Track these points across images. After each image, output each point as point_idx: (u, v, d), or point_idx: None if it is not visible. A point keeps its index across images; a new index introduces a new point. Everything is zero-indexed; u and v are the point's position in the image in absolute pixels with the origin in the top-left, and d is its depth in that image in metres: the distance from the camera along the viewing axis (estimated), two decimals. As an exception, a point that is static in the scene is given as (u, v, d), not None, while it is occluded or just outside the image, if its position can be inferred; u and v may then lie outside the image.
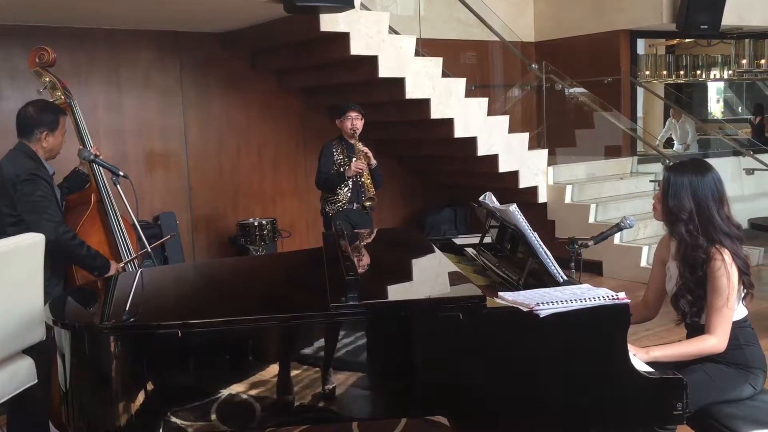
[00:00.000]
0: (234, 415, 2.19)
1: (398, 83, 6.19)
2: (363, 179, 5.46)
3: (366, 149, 5.50)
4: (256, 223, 6.58)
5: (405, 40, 6.18)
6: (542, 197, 7.32)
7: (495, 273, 2.83)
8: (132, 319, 2.38)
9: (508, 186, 7.06)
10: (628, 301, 2.23)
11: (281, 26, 6.08)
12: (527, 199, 7.19)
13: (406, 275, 2.74)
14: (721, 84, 13.28)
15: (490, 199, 2.91)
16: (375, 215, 7.43)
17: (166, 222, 6.66)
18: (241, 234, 6.68)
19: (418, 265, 2.91)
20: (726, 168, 7.86)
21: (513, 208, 2.55)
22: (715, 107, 14.60)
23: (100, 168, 3.69)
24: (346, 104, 5.56)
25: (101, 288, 2.97)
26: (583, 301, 2.20)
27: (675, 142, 10.69)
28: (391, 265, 2.98)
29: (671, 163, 2.83)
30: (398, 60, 6.10)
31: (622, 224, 2.97)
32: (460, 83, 6.55)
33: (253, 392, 2.15)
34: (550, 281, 2.50)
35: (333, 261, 2.55)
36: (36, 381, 2.89)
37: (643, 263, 6.76)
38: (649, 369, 2.38)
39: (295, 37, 6.16)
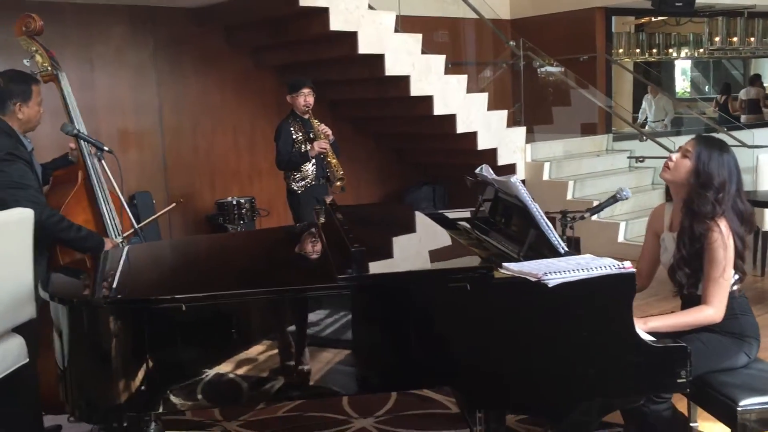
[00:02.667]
0: (240, 389, 2.15)
1: (378, 60, 6.13)
2: (328, 159, 5.39)
3: (326, 129, 5.41)
4: (234, 202, 6.50)
5: (385, 16, 6.12)
6: (520, 174, 7.33)
7: (493, 246, 2.81)
8: (129, 293, 2.32)
9: (486, 163, 7.03)
10: (634, 270, 2.22)
11: (257, 0, 5.97)
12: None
13: (409, 247, 2.71)
14: (688, 63, 13.45)
15: (487, 171, 2.89)
16: (353, 194, 7.41)
17: (142, 201, 6.54)
18: (219, 213, 6.59)
19: (420, 237, 2.88)
20: (698, 145, 7.94)
21: (514, 179, 2.53)
22: (682, 86, 14.80)
23: (87, 144, 3.56)
24: (299, 79, 5.44)
25: (91, 266, 2.90)
26: (590, 270, 2.19)
27: (648, 119, 10.79)
28: (391, 238, 2.94)
29: (702, 135, 2.85)
30: (378, 36, 6.04)
31: (618, 196, 2.97)
32: (440, 60, 6.51)
33: (262, 365, 2.12)
34: (550, 253, 2.49)
35: (332, 234, 2.51)
36: (27, 360, 2.81)
37: (621, 239, 6.83)
38: (652, 338, 2.39)
39: (273, 12, 6.06)
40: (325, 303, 2.14)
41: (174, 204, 4.49)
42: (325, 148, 5.34)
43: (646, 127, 10.44)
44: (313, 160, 5.41)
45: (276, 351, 2.16)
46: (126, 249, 3.15)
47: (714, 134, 8.40)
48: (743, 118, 11.26)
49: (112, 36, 6.39)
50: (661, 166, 7.90)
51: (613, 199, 2.99)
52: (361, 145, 7.77)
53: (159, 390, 2.14)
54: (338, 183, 5.44)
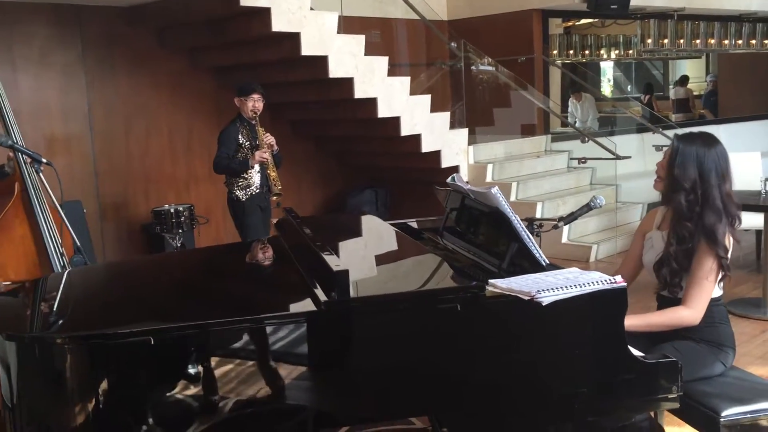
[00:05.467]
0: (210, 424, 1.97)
1: (321, 61, 5.97)
2: (268, 171, 5.24)
3: (271, 139, 5.25)
4: (172, 210, 6.20)
5: (327, 17, 5.95)
6: (464, 177, 7.29)
7: (464, 256, 2.70)
8: (84, 326, 2.10)
9: (430, 166, 6.99)
10: (625, 284, 2.15)
11: (195, 0, 5.72)
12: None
13: (388, 264, 2.57)
14: (611, 64, 13.76)
15: (460, 181, 2.78)
16: (294, 198, 7.22)
17: (72, 211, 6.15)
18: (156, 222, 6.28)
19: (398, 253, 2.75)
20: (631, 145, 8.10)
21: (495, 190, 2.43)
22: (606, 87, 15.15)
23: (22, 155, 3.29)
24: (250, 84, 5.29)
25: (28, 292, 2.65)
26: (582, 286, 2.11)
27: (577, 122, 10.95)
28: (366, 254, 2.80)
29: (681, 133, 2.78)
30: (321, 37, 5.88)
31: (592, 204, 2.92)
32: (383, 62, 6.40)
33: (244, 396, 1.94)
34: (531, 266, 2.40)
35: (302, 252, 2.35)
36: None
37: (564, 239, 6.89)
38: (641, 353, 2.33)
39: (211, 12, 5.82)
40: (306, 329, 1.98)
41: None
42: (265, 158, 5.17)
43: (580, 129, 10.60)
44: (257, 167, 5.22)
45: (250, 381, 2.00)
46: (66, 273, 2.91)
47: (644, 134, 8.63)
48: (673, 117, 11.59)
49: (36, 36, 6.02)
50: (597, 167, 8.00)
51: (587, 207, 2.94)
52: (301, 147, 7.58)
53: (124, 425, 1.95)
54: (274, 198, 5.31)
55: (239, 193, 5.29)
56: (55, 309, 2.35)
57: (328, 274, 2.01)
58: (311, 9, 5.86)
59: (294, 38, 5.75)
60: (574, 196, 7.42)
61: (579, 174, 7.95)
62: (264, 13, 5.54)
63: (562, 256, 6.71)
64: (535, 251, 2.41)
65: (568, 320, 2.11)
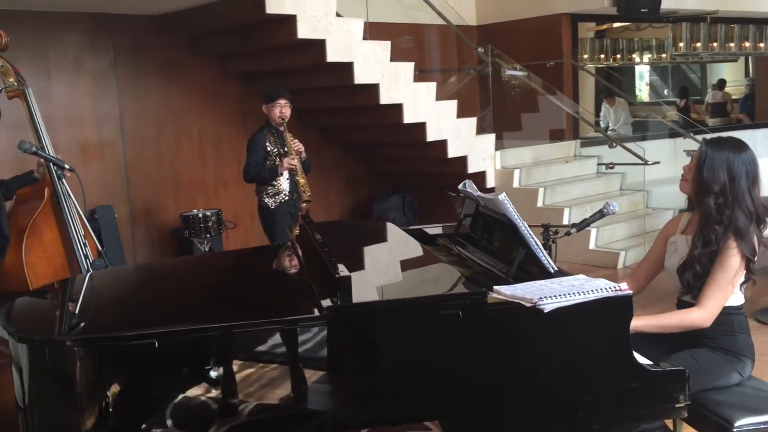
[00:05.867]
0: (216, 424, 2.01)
1: (346, 68, 6.01)
2: (297, 177, 5.22)
3: (299, 145, 5.24)
4: (200, 215, 6.29)
5: (353, 24, 6.00)
6: (491, 182, 7.28)
7: (475, 263, 2.71)
8: (96, 329, 2.16)
9: (456, 171, 6.98)
10: (630, 292, 2.14)
11: (222, 8, 5.82)
12: (476, 184, 7.09)
13: (394, 270, 2.59)
14: (647, 68, 13.61)
15: (471, 187, 2.79)
16: (322, 203, 7.28)
17: (104, 215, 6.32)
18: (185, 226, 6.39)
19: (405, 259, 2.76)
20: (663, 150, 8.00)
21: (502, 196, 2.43)
22: (643, 90, 14.96)
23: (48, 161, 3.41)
24: (277, 90, 5.28)
25: (55, 293, 2.72)
26: (586, 293, 2.10)
27: (610, 126, 10.85)
28: (374, 259, 2.82)
29: (710, 137, 2.76)
30: (346, 44, 5.92)
31: (605, 210, 2.90)
32: (409, 67, 6.42)
33: (244, 399, 1.98)
34: (539, 272, 2.40)
35: (312, 258, 2.38)
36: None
37: (592, 246, 6.82)
38: (649, 362, 2.31)
39: (238, 20, 5.90)
40: (311, 334, 2.01)
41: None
42: (294, 165, 5.16)
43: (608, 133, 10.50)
44: (287, 174, 5.23)
45: (256, 384, 2.03)
46: (88, 276, 2.99)
47: (676, 138, 8.52)
48: (709, 121, 11.41)
49: (70, 44, 6.17)
50: (627, 172, 7.86)
51: (600, 214, 2.92)
52: (329, 153, 7.64)
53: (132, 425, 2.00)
54: (304, 204, 5.26)
55: (269, 201, 5.28)
56: (77, 311, 2.41)
57: (332, 280, 2.03)
58: (338, 15, 5.91)
59: (319, 45, 5.81)
60: (602, 202, 7.29)
61: (608, 179, 7.87)
62: (290, 21, 5.60)
63: (590, 262, 6.66)
64: (543, 258, 2.40)
65: (573, 327, 2.11)
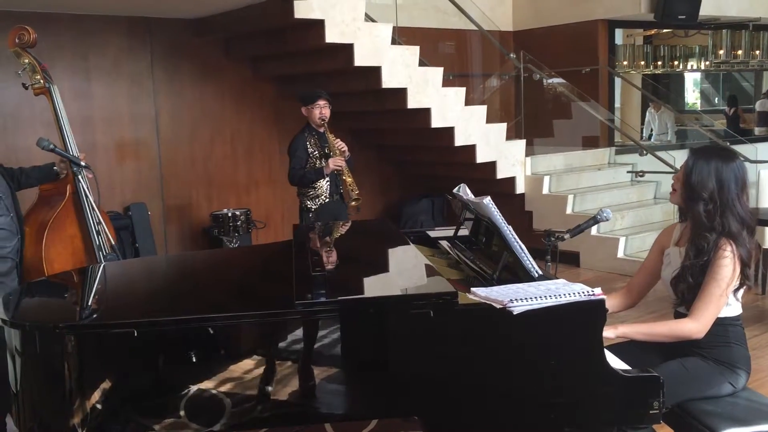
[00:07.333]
0: (202, 413, 2.09)
1: (374, 72, 6.09)
2: (344, 177, 5.15)
3: (342, 145, 5.19)
4: (229, 214, 6.45)
5: (381, 28, 6.07)
6: (520, 188, 7.26)
7: (469, 267, 2.75)
8: (89, 318, 2.27)
9: (485, 176, 6.99)
10: (604, 297, 2.16)
11: (255, 12, 5.95)
12: (505, 189, 7.14)
13: (376, 269, 2.65)
14: (698, 75, 13.34)
15: (464, 191, 2.83)
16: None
17: (137, 213, 6.52)
18: (215, 225, 6.55)
19: (390, 258, 2.82)
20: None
21: (487, 200, 2.47)
22: (692, 98, 14.67)
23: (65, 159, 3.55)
24: (314, 91, 5.25)
25: (66, 281, 2.85)
26: (558, 297, 2.13)
27: (653, 133, 10.69)
28: (361, 259, 2.88)
29: (697, 147, 2.76)
30: (374, 48, 5.99)
31: (599, 217, 2.90)
32: (437, 72, 6.46)
33: (221, 389, 2.06)
34: (525, 276, 2.43)
35: (301, 255, 2.45)
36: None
37: (620, 254, 6.74)
38: (626, 367, 2.31)
39: (269, 23, 6.03)
40: (287, 329, 2.08)
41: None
42: (340, 166, 5.11)
43: (652, 140, 10.34)
44: (327, 176, 5.20)
45: (239, 375, 2.11)
46: (102, 267, 3.12)
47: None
48: (756, 130, 11.13)
49: (109, 46, 6.39)
50: (662, 181, 7.74)
51: (593, 221, 2.92)
52: (362, 156, 7.70)
53: (118, 413, 2.10)
54: (353, 203, 5.21)
55: (309, 204, 5.23)
56: (89, 301, 2.53)
57: (308, 277, 2.10)
58: (367, 19, 5.99)
59: (347, 49, 5.89)
60: (633, 211, 7.27)
61: (642, 188, 7.77)
62: (318, 25, 5.70)
63: (617, 270, 6.59)
64: (527, 261, 2.43)
65: (545, 330, 2.13)
